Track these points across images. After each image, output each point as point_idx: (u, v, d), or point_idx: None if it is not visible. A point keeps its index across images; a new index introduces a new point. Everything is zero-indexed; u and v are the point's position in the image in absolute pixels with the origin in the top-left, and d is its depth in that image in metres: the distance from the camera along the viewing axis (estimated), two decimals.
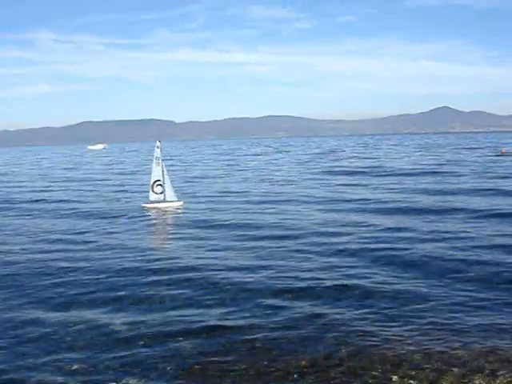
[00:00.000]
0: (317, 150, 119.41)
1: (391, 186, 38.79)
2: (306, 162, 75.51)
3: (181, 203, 30.63)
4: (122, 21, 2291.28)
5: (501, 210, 26.21)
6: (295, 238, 20.87)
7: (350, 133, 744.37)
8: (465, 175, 45.52)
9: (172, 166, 69.34)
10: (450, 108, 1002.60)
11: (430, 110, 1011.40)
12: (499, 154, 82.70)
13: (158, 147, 30.29)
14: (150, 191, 30.54)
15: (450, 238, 19.91)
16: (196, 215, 27.48)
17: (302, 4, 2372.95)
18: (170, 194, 30.35)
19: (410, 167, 56.17)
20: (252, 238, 20.95)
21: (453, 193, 33.88)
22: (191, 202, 31.92)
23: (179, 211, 29.47)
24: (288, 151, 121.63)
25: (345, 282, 14.57)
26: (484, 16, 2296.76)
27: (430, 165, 59.21)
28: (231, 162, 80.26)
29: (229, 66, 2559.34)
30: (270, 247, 19.23)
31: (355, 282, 14.55)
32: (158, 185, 30.33)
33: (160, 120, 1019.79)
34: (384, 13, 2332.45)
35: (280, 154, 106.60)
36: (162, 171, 30.16)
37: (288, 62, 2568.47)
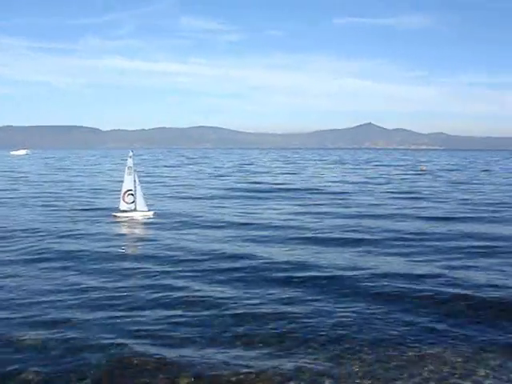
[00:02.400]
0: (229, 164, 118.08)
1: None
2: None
3: (151, 213, 30.45)
4: (51, 25, 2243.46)
5: None
6: None
7: (277, 146, 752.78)
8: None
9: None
10: (375, 125, 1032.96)
11: (356, 127, 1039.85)
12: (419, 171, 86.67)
13: (130, 157, 30.09)
14: (121, 200, 30.26)
15: None
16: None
17: (232, 16, 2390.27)
18: (140, 203, 30.17)
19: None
20: None
21: None
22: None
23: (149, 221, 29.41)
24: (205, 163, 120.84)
25: None
26: (408, 37, 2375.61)
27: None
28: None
29: (159, 75, 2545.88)
30: None
31: None
32: (129, 194, 30.06)
33: (86, 127, 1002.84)
34: (313, 29, 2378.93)
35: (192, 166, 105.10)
36: (134, 181, 29.95)
37: (218, 74, 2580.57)
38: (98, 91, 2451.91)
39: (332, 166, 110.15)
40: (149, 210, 30.49)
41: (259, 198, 40.93)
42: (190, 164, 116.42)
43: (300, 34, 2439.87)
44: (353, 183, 56.93)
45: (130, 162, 30.07)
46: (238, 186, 52.72)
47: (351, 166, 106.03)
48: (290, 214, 31.91)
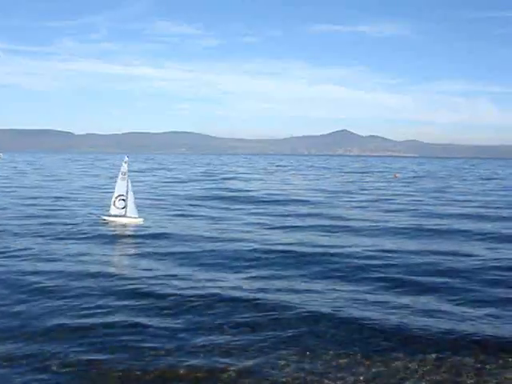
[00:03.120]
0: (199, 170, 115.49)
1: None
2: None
3: (141, 220, 30.72)
4: (24, 27, 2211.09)
5: None
6: None
7: (251, 152, 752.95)
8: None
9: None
10: (349, 132, 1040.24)
11: (330, 133, 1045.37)
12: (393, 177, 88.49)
13: (125, 162, 30.51)
14: (112, 205, 30.62)
15: None
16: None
17: (208, 22, 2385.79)
18: (131, 210, 30.44)
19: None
20: None
21: None
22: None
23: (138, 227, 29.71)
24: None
25: None
26: (384, 45, 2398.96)
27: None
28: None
29: (133, 79, 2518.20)
30: None
31: None
32: (120, 199, 30.42)
33: (58, 131, 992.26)
34: (288, 36, 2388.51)
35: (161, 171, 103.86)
36: (127, 186, 30.28)
37: (193, 79, 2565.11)
38: (71, 95, 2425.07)
39: (304, 172, 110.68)
40: (139, 217, 30.80)
41: (226, 209, 39.48)
42: (161, 169, 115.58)
43: (277, 40, 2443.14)
44: (323, 191, 56.48)
45: (124, 167, 30.46)
46: (207, 193, 51.90)
47: (323, 173, 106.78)
48: (253, 225, 31.16)
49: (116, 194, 30.57)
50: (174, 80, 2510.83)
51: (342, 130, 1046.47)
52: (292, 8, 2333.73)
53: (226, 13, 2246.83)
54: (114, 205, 30.61)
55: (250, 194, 51.76)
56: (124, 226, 29.79)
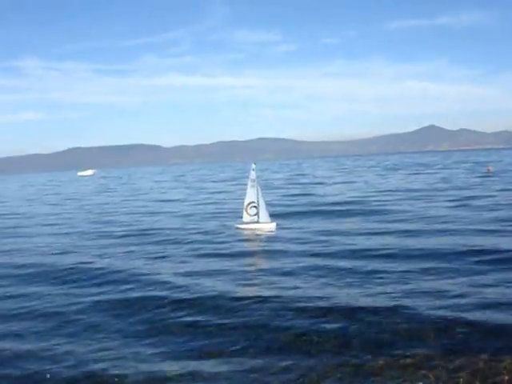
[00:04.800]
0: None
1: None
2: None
3: (274, 224, 30.81)
4: (109, 47, 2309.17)
5: None
6: None
7: (337, 154, 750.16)
8: None
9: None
10: (437, 127, 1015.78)
11: (418, 130, 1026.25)
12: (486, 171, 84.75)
13: (253, 170, 30.67)
14: (244, 212, 30.79)
15: None
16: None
17: (285, 27, 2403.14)
18: (263, 215, 30.61)
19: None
20: None
21: None
22: None
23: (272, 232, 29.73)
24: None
25: None
26: (466, 35, 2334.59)
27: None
28: None
29: (215, 89, 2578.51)
30: None
31: None
32: (252, 206, 30.52)
33: (147, 145, 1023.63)
34: (365, 35, 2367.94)
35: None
36: (257, 193, 30.46)
37: (274, 85, 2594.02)
38: (158, 109, 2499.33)
39: (390, 171, 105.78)
40: (271, 222, 30.88)
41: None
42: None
43: (356, 39, 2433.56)
44: (409, 190, 49.86)
45: (253, 174, 30.54)
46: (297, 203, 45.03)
47: (410, 172, 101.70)
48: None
49: (247, 202, 30.63)
50: (255, 87, 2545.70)
51: (430, 126, 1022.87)
52: (370, 5, 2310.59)
53: (302, 16, 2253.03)
54: (247, 212, 30.77)
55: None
56: (259, 231, 29.89)
